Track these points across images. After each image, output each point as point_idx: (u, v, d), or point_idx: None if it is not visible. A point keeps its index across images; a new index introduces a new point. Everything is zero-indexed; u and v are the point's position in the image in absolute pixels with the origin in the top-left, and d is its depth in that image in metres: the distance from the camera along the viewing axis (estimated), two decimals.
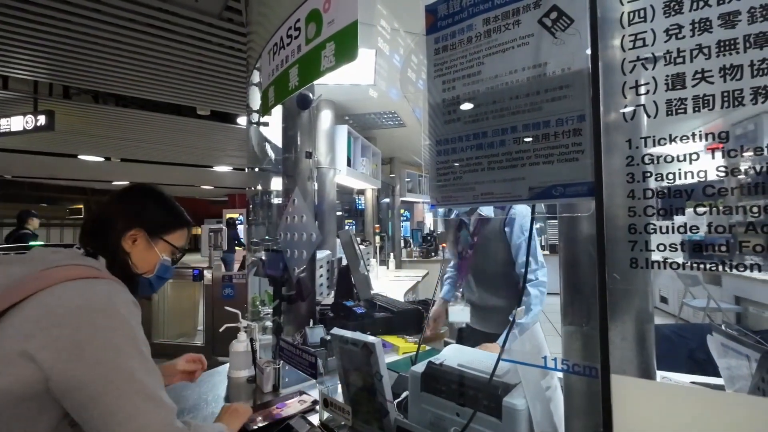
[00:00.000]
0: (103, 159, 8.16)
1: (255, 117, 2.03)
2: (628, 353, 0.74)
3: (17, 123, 4.70)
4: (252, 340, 1.44)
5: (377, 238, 4.28)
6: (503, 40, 0.76)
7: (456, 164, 0.81)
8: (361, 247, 3.60)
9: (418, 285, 3.76)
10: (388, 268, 4.27)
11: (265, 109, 1.52)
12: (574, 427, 0.83)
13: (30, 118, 4.68)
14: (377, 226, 4.48)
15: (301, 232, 1.48)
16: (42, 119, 4.65)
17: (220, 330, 1.48)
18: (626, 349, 0.74)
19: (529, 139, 0.72)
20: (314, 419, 1.10)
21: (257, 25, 1.84)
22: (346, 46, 1.03)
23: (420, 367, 0.99)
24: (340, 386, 1.13)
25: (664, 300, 4.87)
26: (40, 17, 3.29)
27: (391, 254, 4.53)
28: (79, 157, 7.83)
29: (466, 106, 0.80)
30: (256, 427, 1.06)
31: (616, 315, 0.71)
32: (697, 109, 0.59)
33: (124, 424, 0.69)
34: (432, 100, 0.86)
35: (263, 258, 1.75)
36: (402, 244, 5.48)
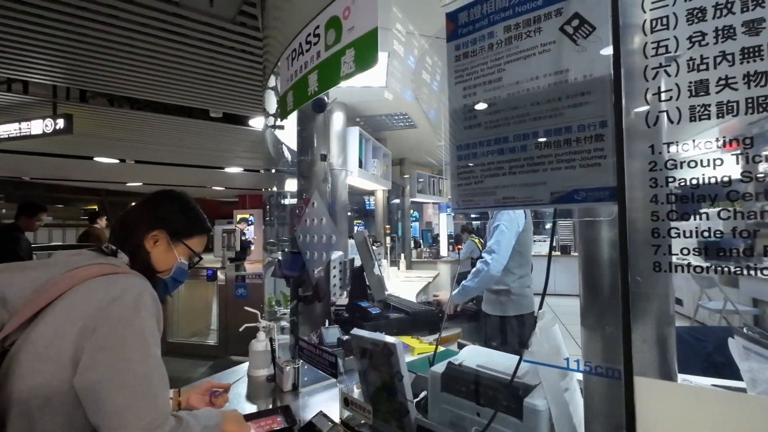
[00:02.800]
0: (117, 161, 8.31)
1: (271, 120, 2.07)
2: (649, 356, 0.75)
3: (37, 126, 4.82)
4: (271, 340, 1.47)
5: (388, 238, 4.30)
6: (524, 47, 0.77)
7: (477, 168, 0.83)
8: (373, 247, 3.63)
9: (429, 286, 3.77)
10: (399, 268, 4.28)
11: (283, 114, 1.55)
12: (594, 429, 0.85)
13: (49, 121, 4.80)
14: (388, 226, 4.50)
15: (321, 234, 1.51)
16: (61, 123, 4.76)
17: (240, 330, 1.51)
18: (647, 352, 0.75)
19: (551, 145, 0.73)
20: (335, 417, 1.13)
21: (274, 30, 1.87)
22: (366, 52, 1.06)
23: (440, 368, 1.01)
24: (356, 386, 1.15)
25: (678, 302, 4.81)
26: (59, 23, 3.37)
27: (402, 255, 4.55)
28: (94, 159, 7.99)
29: (487, 111, 0.82)
30: (275, 428, 1.09)
31: (637, 318, 0.72)
32: (720, 115, 0.60)
33: (110, 416, 0.71)
34: (452, 105, 0.87)
35: (280, 259, 1.78)
36: (412, 245, 5.49)
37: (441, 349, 1.72)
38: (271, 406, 1.28)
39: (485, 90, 0.82)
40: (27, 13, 3.22)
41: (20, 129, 4.87)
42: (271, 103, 2.06)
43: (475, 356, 1.07)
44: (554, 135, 0.73)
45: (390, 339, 0.99)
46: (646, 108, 0.65)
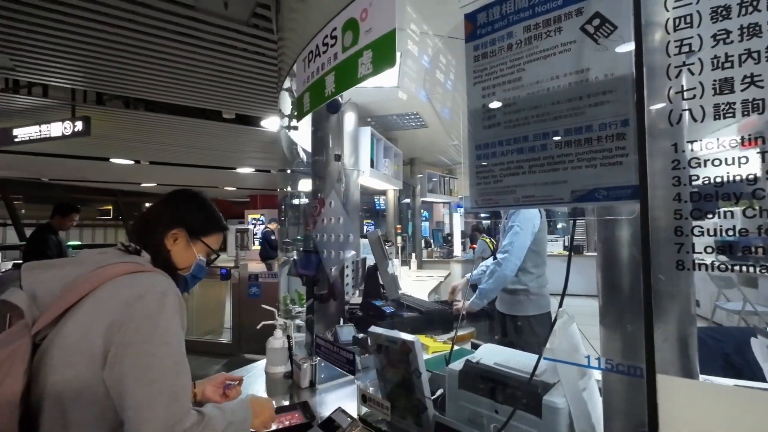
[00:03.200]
0: (132, 162, 8.48)
1: (286, 121, 2.09)
2: (670, 355, 0.75)
3: (56, 129, 4.94)
4: (288, 337, 1.50)
5: (399, 238, 4.31)
6: (544, 47, 0.77)
7: (496, 168, 0.84)
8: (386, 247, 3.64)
9: (441, 285, 3.77)
10: (410, 268, 4.29)
11: (299, 115, 1.57)
12: (613, 427, 0.85)
13: (68, 123, 4.92)
14: (399, 226, 4.51)
15: (338, 233, 1.53)
16: (79, 125, 4.88)
17: (258, 327, 1.54)
18: (667, 351, 0.75)
19: (572, 143, 0.74)
20: (353, 414, 1.14)
21: (290, 32, 1.90)
22: (384, 53, 1.07)
23: (457, 365, 1.02)
24: (369, 383, 1.17)
25: (696, 303, 4.72)
26: (78, 27, 3.45)
27: (413, 254, 4.55)
28: (110, 160, 8.16)
29: (506, 111, 0.82)
30: (294, 423, 1.11)
31: (659, 317, 0.72)
32: (746, 113, 0.60)
33: (133, 410, 0.74)
34: (471, 105, 0.88)
35: (296, 258, 1.81)
36: (423, 245, 5.49)
37: (456, 348, 1.73)
38: (288, 403, 1.30)
39: (505, 90, 0.83)
40: (47, 18, 3.30)
41: (40, 131, 4.99)
42: (286, 104, 2.09)
43: (492, 354, 1.07)
44: (575, 134, 0.74)
45: (408, 336, 1.01)
46: (668, 106, 0.65)
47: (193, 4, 3.08)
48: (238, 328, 4.29)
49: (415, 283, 3.65)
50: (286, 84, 1.96)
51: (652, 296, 0.67)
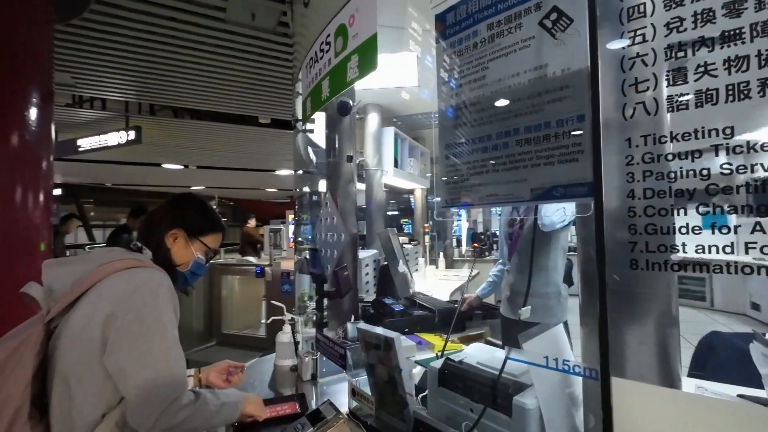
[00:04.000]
0: (182, 167, 9.11)
1: (300, 124, 2.18)
2: (647, 358, 0.72)
3: (113, 138, 5.44)
4: (294, 332, 1.57)
5: (427, 237, 4.30)
6: (506, 44, 0.77)
7: (463, 167, 0.84)
8: (409, 246, 3.65)
9: (467, 285, 3.71)
10: (437, 267, 4.27)
11: (305, 119, 1.63)
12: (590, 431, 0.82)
13: (122, 133, 5.39)
14: (427, 225, 4.49)
15: (332, 232, 1.58)
16: (132, 134, 5.34)
17: (267, 322, 1.62)
18: (644, 354, 0.72)
19: (531, 141, 0.73)
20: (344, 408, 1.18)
21: (300, 36, 1.98)
22: (367, 57, 1.10)
23: (438, 363, 1.02)
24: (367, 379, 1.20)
25: (755, 307, 4.29)
26: (128, 46, 3.79)
27: (441, 254, 4.52)
28: (162, 165, 8.83)
29: (471, 109, 0.83)
30: (287, 413, 1.17)
31: (634, 318, 0.70)
32: (699, 104, 0.56)
33: (136, 390, 0.83)
34: (440, 105, 0.89)
35: (307, 257, 1.88)
36: (454, 244, 5.43)
37: (463, 347, 1.72)
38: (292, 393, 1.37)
39: (471, 89, 0.83)
40: (102, 39, 3.66)
41: (99, 141, 5.51)
42: (299, 107, 2.17)
43: (479, 354, 1.07)
44: (534, 131, 0.73)
45: (390, 333, 1.03)
46: (622, 99, 0.63)
47: (224, 17, 3.28)
48: (272, 324, 4.48)
49: (441, 282, 3.63)
50: (298, 88, 2.04)
51: (606, 295, 0.65)
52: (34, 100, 2.42)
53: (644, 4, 0.61)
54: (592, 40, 0.65)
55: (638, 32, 0.61)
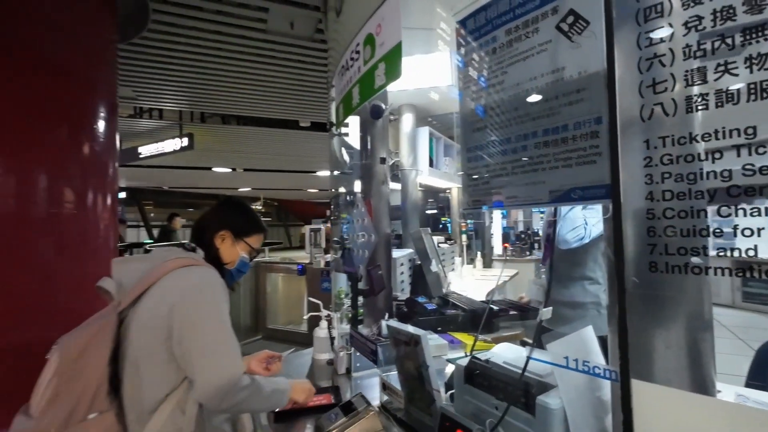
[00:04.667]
0: (230, 170, 9.64)
1: (335, 129, 2.26)
2: (675, 363, 0.70)
3: (169, 145, 5.89)
4: (330, 328, 1.65)
5: (464, 236, 4.26)
6: (524, 48, 0.78)
7: (484, 170, 0.86)
8: (445, 245, 3.65)
9: (506, 285, 3.65)
10: (474, 267, 4.22)
11: (338, 123, 1.70)
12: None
13: (177, 140, 5.82)
14: (464, 224, 4.45)
15: (365, 232, 1.63)
16: (185, 141, 5.74)
17: (305, 317, 1.71)
18: (671, 359, 0.70)
19: (549, 144, 0.74)
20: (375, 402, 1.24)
21: (333, 43, 2.06)
22: (393, 65, 1.14)
23: (464, 361, 1.05)
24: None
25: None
26: (183, 60, 4.11)
27: (478, 253, 4.46)
28: (212, 169, 9.40)
29: (491, 114, 0.84)
30: (322, 403, 1.24)
31: (658, 322, 0.69)
32: (720, 103, 0.55)
33: (200, 373, 0.94)
34: (462, 110, 0.91)
35: (341, 256, 1.96)
36: (491, 243, 5.33)
37: (494, 346, 1.71)
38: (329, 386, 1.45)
39: (489, 93, 0.85)
40: (158, 55, 3.99)
41: (157, 148, 5.98)
42: (334, 112, 2.26)
43: (506, 353, 1.08)
44: (552, 134, 0.73)
45: (417, 331, 1.07)
46: (640, 101, 0.62)
47: (265, 27, 3.45)
48: (312, 319, 4.66)
49: (478, 282, 3.59)
50: (333, 94, 2.13)
51: (625, 297, 0.65)
52: (102, 113, 2.70)
53: (661, 4, 0.60)
54: (608, 42, 0.65)
55: (655, 33, 0.61)
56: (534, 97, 0.76)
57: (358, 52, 1.37)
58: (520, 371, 0.93)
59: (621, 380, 0.65)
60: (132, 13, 3.22)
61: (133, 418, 0.95)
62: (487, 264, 4.66)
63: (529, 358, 0.83)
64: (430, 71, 2.77)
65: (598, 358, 0.90)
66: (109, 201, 2.78)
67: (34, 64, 2.22)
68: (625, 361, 0.65)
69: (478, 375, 0.99)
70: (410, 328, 1.08)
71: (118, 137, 3.01)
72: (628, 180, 0.64)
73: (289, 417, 1.20)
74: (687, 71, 0.58)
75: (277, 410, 1.20)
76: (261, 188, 13.44)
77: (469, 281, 3.60)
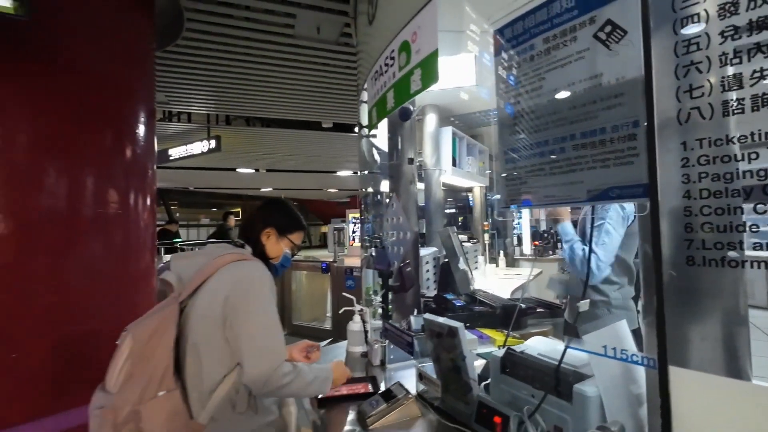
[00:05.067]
0: (253, 171, 9.89)
1: (365, 131, 2.33)
2: (711, 354, 0.74)
3: (197, 147, 6.11)
4: (364, 321, 1.72)
5: (486, 235, 4.27)
6: (561, 56, 0.83)
7: (522, 170, 0.91)
8: (468, 244, 3.68)
9: (529, 284, 3.65)
10: (497, 266, 4.23)
11: (370, 126, 1.77)
12: (653, 422, 0.85)
13: (205, 143, 6.03)
14: (486, 223, 4.47)
15: (400, 230, 1.70)
16: (213, 143, 5.95)
17: (339, 312, 1.79)
18: (706, 350, 0.74)
19: (587, 146, 0.78)
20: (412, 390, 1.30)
21: (363, 51, 2.13)
22: (429, 70, 1.20)
23: (500, 352, 1.10)
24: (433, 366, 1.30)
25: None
26: (212, 66, 4.27)
27: (501, 252, 4.46)
28: (236, 170, 9.67)
29: (529, 117, 0.89)
30: (361, 391, 1.31)
31: (694, 314, 0.72)
32: (756, 108, 0.59)
33: (248, 357, 1.04)
34: (500, 114, 0.96)
35: (372, 254, 2.03)
36: (515, 242, 5.31)
37: (523, 342, 1.75)
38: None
39: (527, 98, 0.90)
40: (189, 62, 4.16)
41: (186, 150, 6.21)
42: (364, 114, 2.33)
43: (539, 346, 1.12)
44: (589, 136, 0.78)
45: (454, 323, 1.12)
46: (677, 105, 0.66)
47: (292, 33, 3.56)
48: (337, 316, 4.76)
49: (501, 280, 3.61)
50: (363, 97, 2.20)
51: (663, 290, 0.69)
52: (142, 118, 2.85)
53: (698, 14, 0.64)
54: (646, 49, 0.70)
55: (692, 41, 0.65)
56: (572, 102, 0.81)
57: (392, 58, 1.43)
58: (555, 362, 0.98)
59: (659, 366, 0.69)
60: (168, 23, 3.38)
61: (195, 397, 1.05)
62: (510, 263, 4.66)
63: (567, 347, 0.88)
64: (455, 72, 2.81)
65: (633, 350, 0.93)
66: (148, 201, 2.94)
67: (81, 74, 2.37)
68: (663, 349, 0.69)
69: (515, 365, 1.04)
70: (448, 321, 1.14)
71: (155, 140, 3.17)
72: (664, 179, 0.68)
73: (331, 403, 1.28)
74: (723, 77, 0.62)
75: (319, 397, 1.27)
76: (282, 188, 13.69)
77: (493, 280, 3.62)
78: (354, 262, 4.77)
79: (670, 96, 0.67)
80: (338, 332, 4.76)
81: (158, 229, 6.98)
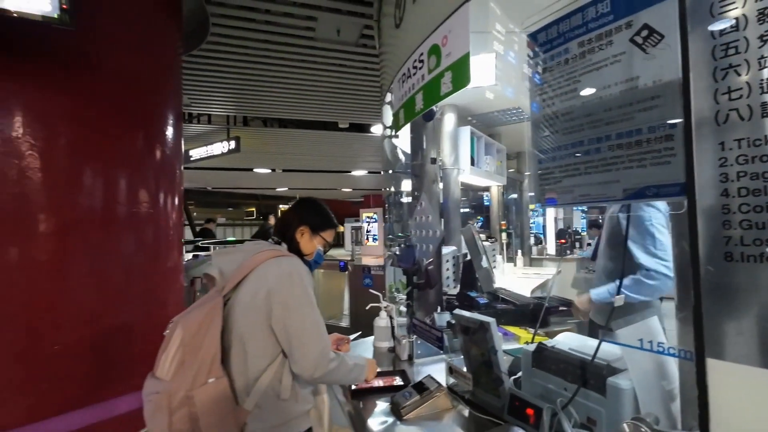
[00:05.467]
0: (270, 171, 10.04)
1: (388, 131, 2.38)
2: (746, 348, 0.76)
3: (217, 148, 6.25)
4: (391, 317, 1.77)
5: (503, 235, 4.28)
6: (597, 59, 0.86)
7: (556, 170, 0.94)
8: (486, 243, 3.70)
9: (548, 282, 3.65)
10: (515, 265, 4.22)
11: (396, 127, 1.82)
12: (687, 413, 0.87)
13: (224, 143, 6.16)
14: (504, 222, 4.47)
15: (428, 229, 1.74)
16: (232, 144, 6.07)
17: (366, 308, 1.84)
18: (742, 344, 0.76)
19: (623, 146, 0.81)
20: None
21: (389, 54, 2.17)
22: (461, 74, 1.24)
23: (531, 347, 1.13)
24: (458, 360, 1.34)
25: None
26: (232, 69, 4.38)
27: (519, 251, 4.46)
28: (254, 170, 9.82)
29: (563, 119, 0.92)
30: (394, 384, 1.36)
31: (731, 308, 0.74)
32: None
33: (297, 347, 1.11)
34: (534, 115, 0.99)
35: (397, 252, 2.07)
36: (532, 241, 5.29)
37: (548, 339, 1.77)
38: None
39: (562, 100, 0.93)
40: (212, 65, 4.27)
41: (206, 151, 6.36)
42: (388, 115, 2.37)
43: (570, 341, 1.15)
44: (626, 137, 0.81)
45: (486, 318, 1.16)
46: (715, 107, 0.69)
47: (313, 35, 3.62)
48: (354, 314, 4.82)
49: (520, 280, 3.62)
50: (387, 98, 2.24)
51: (701, 285, 0.71)
52: (171, 120, 2.95)
53: (737, 19, 0.66)
54: (683, 53, 0.72)
55: (731, 45, 0.67)
56: (607, 103, 0.84)
57: (421, 61, 1.47)
58: (588, 357, 1.01)
59: (696, 358, 0.72)
60: (194, 28, 3.48)
61: (240, 385, 1.11)
62: (528, 262, 4.65)
63: (601, 341, 0.91)
64: (475, 72, 2.83)
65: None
66: (176, 201, 3.04)
67: (117, 81, 2.48)
68: (701, 342, 0.71)
69: (546, 360, 1.07)
70: (480, 316, 1.17)
71: (183, 142, 3.28)
72: (702, 178, 0.70)
73: (364, 395, 1.33)
74: (762, 80, 0.64)
75: (353, 388, 1.33)
76: (297, 188, 13.85)
77: (511, 279, 3.63)
78: (370, 260, 4.82)
79: (707, 98, 0.70)
80: (356, 330, 4.81)
81: (198, 228, 7.46)
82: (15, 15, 1.58)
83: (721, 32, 0.68)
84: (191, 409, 1.02)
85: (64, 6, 1.68)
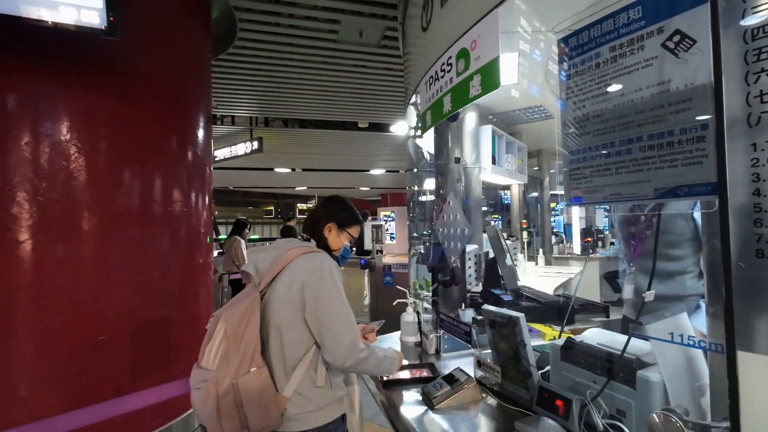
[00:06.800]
0: (290, 170, 10.22)
1: (412, 132, 2.43)
2: None
3: (240, 149, 6.41)
4: (418, 313, 1.82)
5: (524, 233, 4.26)
6: (628, 63, 0.89)
7: (587, 170, 0.97)
8: (508, 242, 3.70)
9: (571, 282, 3.63)
10: (536, 264, 4.21)
11: (423, 129, 1.87)
12: (719, 407, 0.89)
13: (248, 144, 6.32)
14: (524, 221, 4.45)
15: (455, 227, 1.78)
16: (255, 144, 6.23)
17: (394, 304, 1.90)
18: None
19: (654, 147, 0.84)
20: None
21: (414, 56, 2.22)
22: (490, 77, 1.28)
23: (560, 341, 1.17)
24: (490, 354, 1.38)
25: None
26: (257, 72, 4.50)
27: (540, 250, 4.43)
28: (274, 170, 10.02)
29: (594, 121, 0.96)
30: (424, 375, 1.41)
31: (762, 304, 0.77)
32: None
33: (330, 337, 1.18)
34: (564, 117, 1.03)
35: (422, 250, 2.12)
36: (553, 240, 5.25)
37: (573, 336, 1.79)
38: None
39: (593, 103, 0.96)
40: (238, 68, 4.40)
41: (230, 152, 6.53)
42: (412, 116, 2.42)
43: (597, 336, 1.18)
44: (657, 138, 0.84)
45: (515, 313, 1.20)
46: (747, 109, 0.71)
47: (336, 38, 3.70)
48: (375, 311, 4.89)
49: (541, 278, 3.61)
50: (412, 100, 2.29)
51: (732, 281, 0.74)
52: (201, 122, 3.08)
53: (767, 25, 0.69)
54: (716, 58, 0.75)
55: (763, 50, 0.70)
56: (639, 106, 0.87)
57: (450, 65, 1.52)
58: (617, 351, 1.04)
59: (727, 351, 0.75)
60: (221, 33, 3.60)
61: (279, 373, 1.18)
62: (549, 261, 4.62)
63: (631, 334, 0.94)
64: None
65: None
66: (207, 200, 3.17)
67: (153, 85, 2.61)
68: (731, 335, 0.74)
69: (576, 353, 1.10)
70: (509, 311, 1.22)
71: (212, 143, 3.40)
72: (733, 178, 0.73)
73: (395, 386, 1.39)
74: None
75: (384, 379, 1.39)
76: (316, 187, 14.02)
77: (533, 277, 3.63)
78: (388, 259, 4.89)
79: (739, 101, 0.72)
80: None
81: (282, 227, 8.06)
82: (74, 28, 1.70)
83: (753, 37, 0.71)
84: (236, 395, 1.10)
85: (111, 18, 1.79)
